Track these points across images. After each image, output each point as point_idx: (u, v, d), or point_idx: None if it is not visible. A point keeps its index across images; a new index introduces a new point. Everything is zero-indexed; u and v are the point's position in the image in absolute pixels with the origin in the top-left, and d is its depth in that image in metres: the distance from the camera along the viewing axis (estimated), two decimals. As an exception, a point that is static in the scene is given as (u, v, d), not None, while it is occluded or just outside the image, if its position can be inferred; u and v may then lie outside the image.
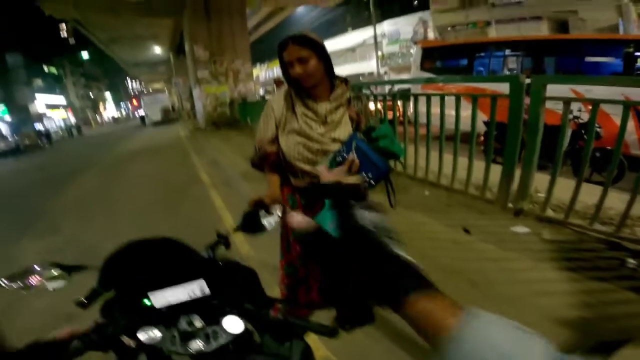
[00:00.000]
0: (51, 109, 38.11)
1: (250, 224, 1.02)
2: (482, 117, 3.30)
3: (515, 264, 2.05)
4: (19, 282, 0.75)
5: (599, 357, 0.39)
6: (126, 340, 0.67)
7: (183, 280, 0.72)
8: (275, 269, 1.86)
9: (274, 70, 33.89)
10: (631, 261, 1.91)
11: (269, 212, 1.04)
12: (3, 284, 0.73)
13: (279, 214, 1.04)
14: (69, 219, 4.63)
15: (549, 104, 2.39)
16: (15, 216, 5.27)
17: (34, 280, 0.75)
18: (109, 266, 0.73)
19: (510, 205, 2.68)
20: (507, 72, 6.95)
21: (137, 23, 15.34)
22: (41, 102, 35.22)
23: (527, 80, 2.42)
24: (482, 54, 7.58)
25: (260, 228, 1.03)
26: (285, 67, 1.27)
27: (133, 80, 61.11)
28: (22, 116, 29.33)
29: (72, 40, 45.95)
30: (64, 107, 42.88)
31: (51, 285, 0.76)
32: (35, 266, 0.77)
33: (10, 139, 20.38)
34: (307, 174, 1.35)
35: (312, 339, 0.82)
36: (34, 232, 4.17)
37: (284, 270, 1.67)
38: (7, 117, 27.41)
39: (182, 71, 21.50)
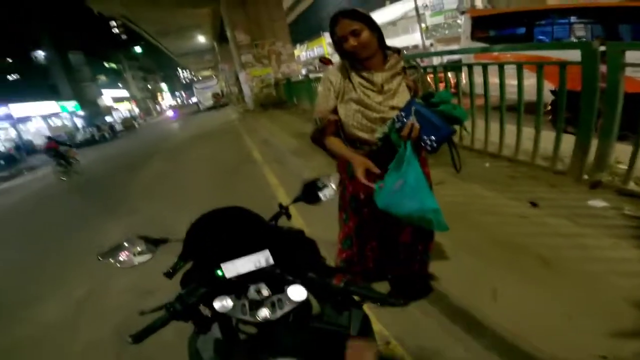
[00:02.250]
0: (117, 102, 41.88)
1: (309, 194, 1.05)
2: (547, 86, 3.01)
3: (591, 241, 1.87)
4: (110, 259, 0.85)
5: None
6: (203, 309, 0.74)
7: (251, 249, 0.78)
8: (329, 244, 1.86)
9: (314, 50, 33.60)
10: None
11: (325, 184, 1.07)
12: (99, 259, 0.84)
13: (334, 186, 1.07)
14: (144, 201, 5.19)
15: (629, 72, 2.14)
16: (99, 201, 6.00)
17: (122, 255, 0.86)
18: (190, 237, 0.81)
19: (585, 177, 2.44)
20: (574, 40, 6.21)
21: (178, 13, 16.10)
22: (107, 96, 38.84)
23: (602, 48, 2.18)
24: (544, 22, 6.85)
25: (317, 199, 1.06)
26: (338, 42, 1.28)
27: (183, 70, 64.48)
28: (93, 110, 32.66)
29: (124, 36, 49.59)
30: (128, 99, 46.84)
31: (137, 260, 0.86)
32: (125, 241, 0.87)
33: (86, 131, 23.00)
34: (365, 143, 1.37)
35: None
36: (116, 214, 4.74)
37: (341, 245, 1.72)
38: (81, 112, 30.65)
39: (227, 57, 22.21)
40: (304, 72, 14.43)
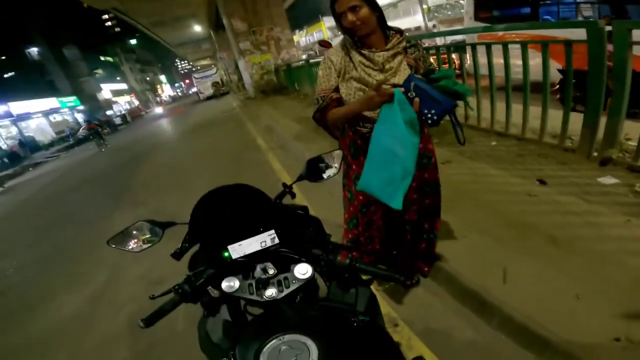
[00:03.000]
0: (116, 96, 41.77)
1: (313, 172, 1.04)
2: (554, 65, 2.95)
3: (603, 219, 1.83)
4: (119, 244, 0.86)
5: None
6: (212, 291, 0.74)
7: (257, 228, 0.78)
8: (334, 226, 1.86)
9: (314, 34, 33.05)
10: None
11: (328, 161, 1.06)
12: (110, 245, 0.86)
13: (337, 164, 1.06)
14: (150, 193, 5.21)
15: (636, 51, 2.09)
16: (105, 194, 6.05)
17: (131, 241, 0.87)
18: (196, 217, 0.81)
19: (595, 154, 2.40)
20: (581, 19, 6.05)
21: (172, 3, 15.72)
22: (106, 90, 38.69)
23: (608, 27, 2.14)
24: (549, 2, 6.66)
25: (320, 176, 1.05)
26: (339, 19, 1.28)
27: (182, 61, 63.98)
28: (93, 105, 32.60)
29: (117, 29, 49.00)
30: (127, 92, 46.67)
31: (145, 244, 0.88)
32: (132, 226, 0.88)
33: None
34: (367, 120, 1.38)
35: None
36: (123, 206, 4.79)
37: (347, 225, 1.73)
38: (81, 107, 30.62)
39: (225, 45, 21.90)
40: (304, 57, 14.19)
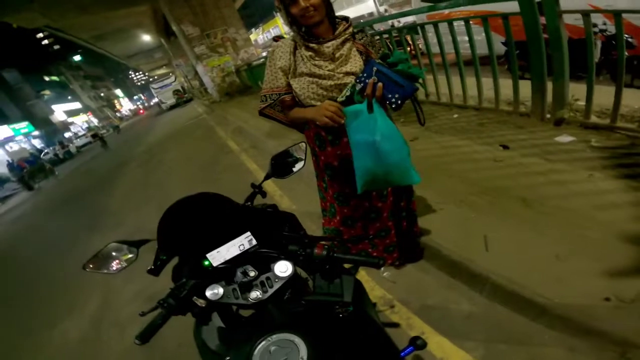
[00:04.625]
0: (72, 116, 39.43)
1: (279, 167, 1.05)
2: (498, 38, 3.13)
3: (567, 176, 1.91)
4: (94, 268, 0.83)
5: None
6: (197, 301, 0.75)
7: (231, 234, 0.79)
8: (315, 216, 1.88)
9: (270, 31, 32.46)
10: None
11: (294, 154, 1.07)
12: (85, 269, 0.83)
13: (304, 155, 1.07)
14: (127, 211, 5.04)
15: (569, 20, 2.27)
16: (81, 217, 5.80)
17: (106, 262, 0.85)
18: (164, 231, 0.80)
19: (548, 115, 2.59)
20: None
21: (111, 16, 14.73)
22: (59, 111, 36.41)
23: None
24: None
25: (289, 171, 1.06)
26: (287, 6, 1.23)
27: (136, 72, 61.11)
28: (48, 128, 30.62)
29: (56, 46, 45.78)
30: (83, 111, 44.04)
31: (120, 265, 0.86)
32: (105, 248, 0.86)
33: (49, 151, 21.53)
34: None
35: (365, 280, 0.87)
36: (101, 229, 4.62)
37: (325, 214, 1.74)
38: (36, 132, 28.69)
39: (180, 52, 21.05)
40: (264, 54, 13.97)
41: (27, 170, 14.33)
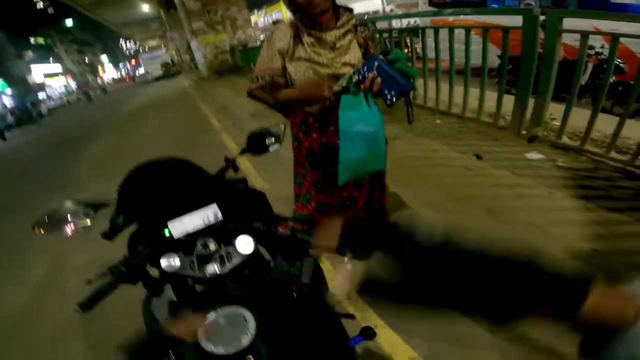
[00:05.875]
0: (50, 77, 37.75)
1: (256, 144, 1.03)
2: (495, 50, 3.17)
3: (530, 191, 2.01)
4: (45, 228, 0.77)
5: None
6: (151, 270, 0.71)
7: (197, 204, 0.74)
8: (288, 200, 1.84)
9: (273, 15, 31.98)
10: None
11: (271, 133, 1.05)
12: (34, 229, 0.76)
13: (281, 135, 1.05)
14: (94, 178, 4.83)
15: (570, 40, 2.30)
16: (45, 179, 5.54)
17: (59, 223, 0.78)
18: (125, 192, 0.75)
19: (524, 132, 2.67)
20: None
21: None
22: (38, 72, 34.84)
23: (542, 17, 2.36)
24: None
25: (264, 149, 1.03)
26: None
27: (127, 41, 59.02)
28: (23, 88, 29.29)
29: (50, 10, 43.67)
30: (62, 74, 42.16)
31: (75, 227, 0.79)
32: (60, 207, 0.79)
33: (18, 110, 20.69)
34: (318, 100, 1.37)
35: (328, 269, 0.86)
36: (64, 192, 4.40)
37: (300, 199, 1.73)
38: (9, 91, 27.35)
39: (177, 25, 20.47)
40: (262, 37, 13.79)
41: (16, 115, 18.07)
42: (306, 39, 1.31)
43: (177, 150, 5.00)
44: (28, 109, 19.93)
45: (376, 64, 1.18)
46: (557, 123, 2.52)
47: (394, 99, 1.20)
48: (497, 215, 1.86)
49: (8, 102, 26.15)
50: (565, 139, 2.48)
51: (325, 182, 1.59)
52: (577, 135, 2.48)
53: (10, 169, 7.51)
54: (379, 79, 1.18)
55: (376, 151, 1.33)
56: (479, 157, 2.47)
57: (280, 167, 2.83)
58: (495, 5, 7.02)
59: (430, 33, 3.34)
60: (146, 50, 31.74)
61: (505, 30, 2.59)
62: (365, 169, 1.41)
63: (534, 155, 2.40)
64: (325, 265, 2.00)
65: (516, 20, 2.50)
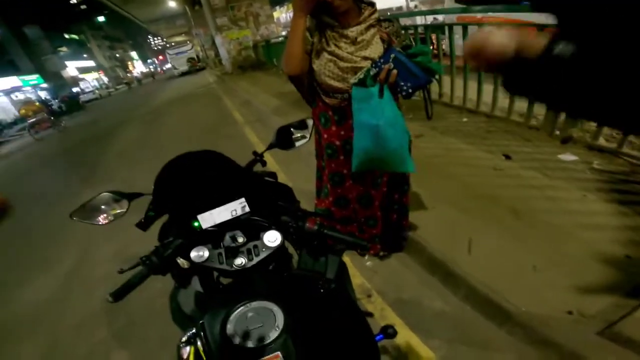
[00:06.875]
0: (83, 73, 39.69)
1: (283, 139, 1.04)
2: None
3: (561, 193, 1.93)
4: (83, 217, 0.82)
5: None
6: (181, 261, 0.73)
7: (227, 197, 0.76)
8: (310, 195, 1.87)
9: (295, 11, 32.09)
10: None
11: (300, 128, 1.06)
12: (72, 219, 0.81)
13: (308, 131, 1.06)
14: (122, 167, 5.04)
15: None
16: (74, 170, 5.81)
17: (95, 213, 0.83)
18: (161, 184, 0.77)
19: (557, 132, 2.54)
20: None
21: None
22: (72, 67, 36.67)
23: None
24: None
25: (291, 144, 1.05)
26: None
27: (155, 37, 60.97)
28: (58, 82, 30.89)
29: (83, 6, 45.71)
30: (95, 69, 44.14)
31: (110, 216, 0.84)
32: (97, 198, 0.84)
33: (53, 103, 21.82)
34: (338, 91, 1.39)
35: (348, 266, 0.87)
36: (94, 183, 4.61)
37: (322, 194, 1.74)
38: (44, 85, 28.84)
39: (201, 21, 20.94)
40: (283, 33, 13.84)
41: (67, 102, 20.48)
42: (328, 33, 1.33)
43: (200, 140, 5.18)
44: (77, 97, 23.04)
45: (392, 55, 1.19)
46: (594, 123, 2.36)
47: (410, 91, 1.21)
48: (522, 216, 1.78)
49: (43, 95, 27.63)
50: (601, 141, 2.34)
51: (341, 176, 1.60)
52: (614, 137, 2.34)
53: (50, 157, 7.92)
54: (394, 71, 1.19)
55: (386, 148, 1.30)
56: (507, 157, 2.37)
57: (304, 164, 2.86)
58: (527, 3, 6.72)
59: (457, 30, 3.23)
60: (173, 45, 32.68)
61: (541, 28, 2.47)
62: (372, 164, 1.39)
63: (568, 156, 2.27)
64: (344, 260, 1.99)
65: (550, 17, 2.36)
